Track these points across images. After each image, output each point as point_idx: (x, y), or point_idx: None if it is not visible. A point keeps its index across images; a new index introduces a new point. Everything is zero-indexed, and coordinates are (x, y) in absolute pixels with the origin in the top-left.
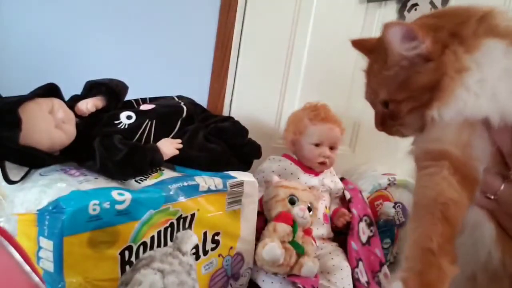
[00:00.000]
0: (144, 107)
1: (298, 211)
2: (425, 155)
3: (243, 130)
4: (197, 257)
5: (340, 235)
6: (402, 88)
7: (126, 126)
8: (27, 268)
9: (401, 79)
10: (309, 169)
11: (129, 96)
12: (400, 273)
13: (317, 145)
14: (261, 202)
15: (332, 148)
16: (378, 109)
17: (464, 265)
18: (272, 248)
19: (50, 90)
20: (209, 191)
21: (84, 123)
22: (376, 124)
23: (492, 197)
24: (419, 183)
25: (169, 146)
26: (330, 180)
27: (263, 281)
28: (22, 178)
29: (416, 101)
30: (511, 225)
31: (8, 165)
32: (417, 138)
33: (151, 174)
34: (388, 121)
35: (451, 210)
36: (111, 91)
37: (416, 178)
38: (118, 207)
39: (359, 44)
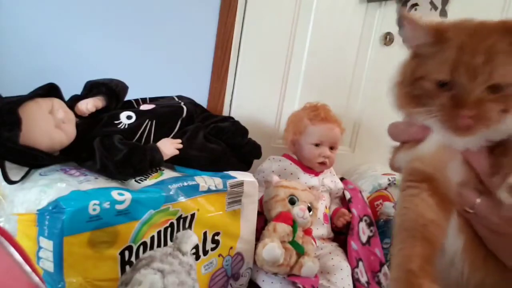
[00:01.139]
0: (144, 107)
1: (298, 211)
2: (409, 175)
3: (243, 130)
4: (197, 257)
5: (340, 235)
6: None
7: (126, 126)
8: (27, 268)
9: None
10: (309, 169)
11: (129, 96)
12: None
13: (317, 145)
14: (261, 202)
15: (332, 148)
16: (476, 93)
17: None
18: (272, 248)
19: (50, 90)
20: (209, 191)
21: (84, 123)
22: (469, 104)
23: (470, 210)
24: (401, 203)
25: (169, 146)
26: (330, 180)
27: (263, 281)
28: (22, 178)
29: None
30: (489, 236)
31: (8, 165)
32: (405, 152)
33: (151, 174)
34: (491, 104)
35: (430, 231)
36: (111, 91)
37: (399, 197)
38: (118, 207)
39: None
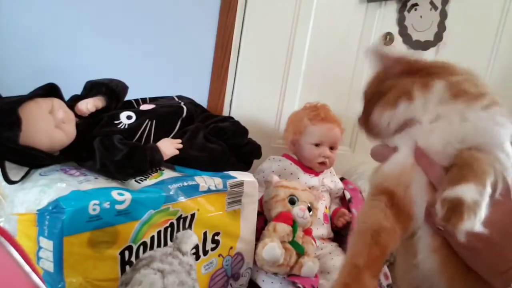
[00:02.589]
0: (144, 107)
1: (298, 211)
2: (375, 189)
3: (243, 130)
4: (197, 257)
5: (340, 235)
6: None
7: (126, 126)
8: (27, 268)
9: None
10: (309, 169)
11: (129, 96)
12: (331, 283)
13: (317, 145)
14: (261, 202)
15: (332, 148)
16: None
17: None
18: (272, 248)
19: (50, 90)
20: (209, 191)
21: (84, 123)
22: None
23: (441, 228)
24: (361, 212)
25: (169, 146)
26: (330, 180)
27: (263, 281)
28: (22, 178)
29: None
30: (464, 252)
31: (8, 165)
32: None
33: (151, 174)
34: None
35: (382, 236)
36: (111, 91)
37: (362, 207)
38: (118, 207)
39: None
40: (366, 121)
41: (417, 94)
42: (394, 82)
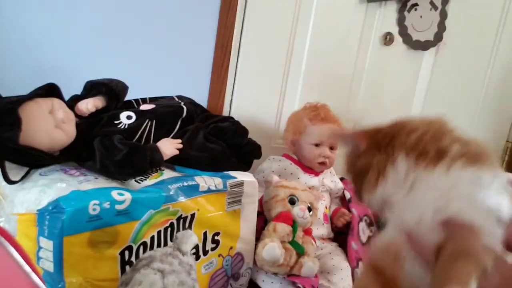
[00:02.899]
0: (144, 107)
1: (298, 211)
2: (367, 262)
3: (243, 130)
4: (197, 257)
5: (340, 235)
6: None
7: (126, 126)
8: (27, 268)
9: None
10: (309, 169)
11: (129, 96)
12: None
13: (317, 145)
14: (261, 202)
15: (332, 148)
16: None
17: None
18: (272, 248)
19: (50, 90)
20: (209, 191)
21: (84, 123)
22: None
23: None
24: (354, 284)
25: (169, 146)
26: (330, 180)
27: (263, 281)
28: (22, 178)
29: None
30: None
31: (8, 165)
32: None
33: (151, 174)
34: None
35: None
36: (111, 91)
37: (356, 281)
38: (118, 207)
39: None
40: (361, 199)
41: (389, 171)
42: (368, 160)
